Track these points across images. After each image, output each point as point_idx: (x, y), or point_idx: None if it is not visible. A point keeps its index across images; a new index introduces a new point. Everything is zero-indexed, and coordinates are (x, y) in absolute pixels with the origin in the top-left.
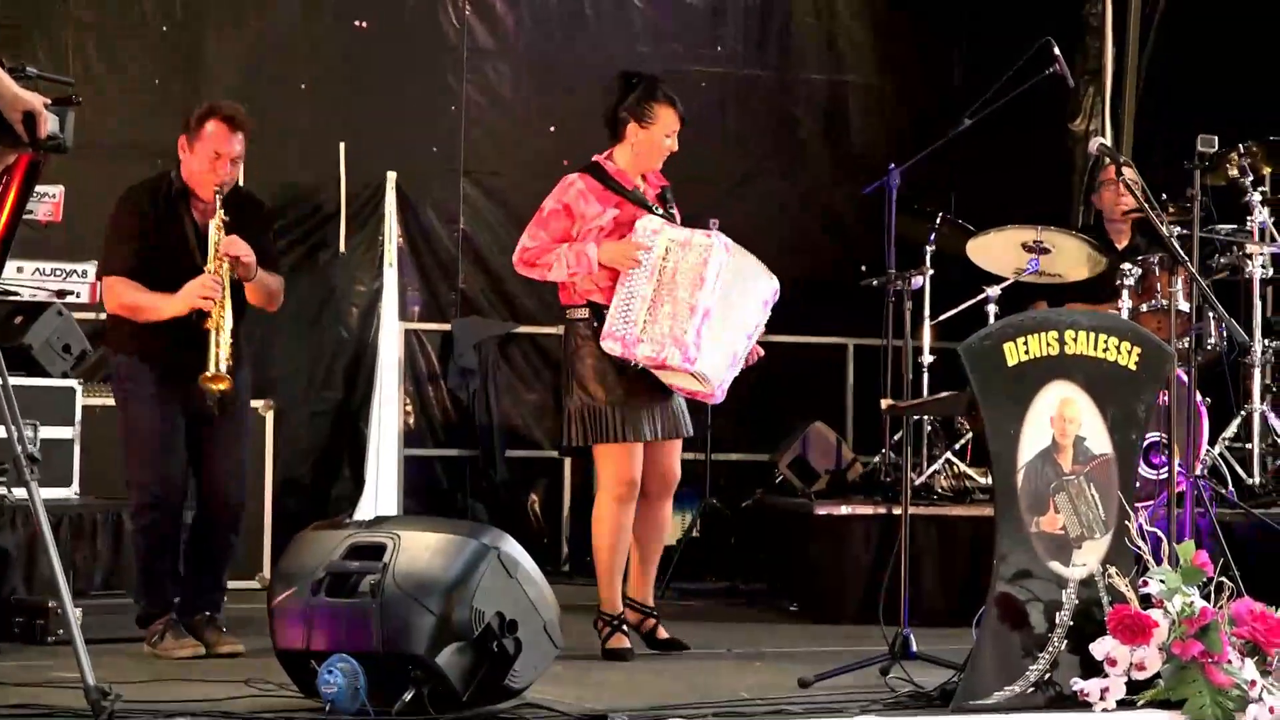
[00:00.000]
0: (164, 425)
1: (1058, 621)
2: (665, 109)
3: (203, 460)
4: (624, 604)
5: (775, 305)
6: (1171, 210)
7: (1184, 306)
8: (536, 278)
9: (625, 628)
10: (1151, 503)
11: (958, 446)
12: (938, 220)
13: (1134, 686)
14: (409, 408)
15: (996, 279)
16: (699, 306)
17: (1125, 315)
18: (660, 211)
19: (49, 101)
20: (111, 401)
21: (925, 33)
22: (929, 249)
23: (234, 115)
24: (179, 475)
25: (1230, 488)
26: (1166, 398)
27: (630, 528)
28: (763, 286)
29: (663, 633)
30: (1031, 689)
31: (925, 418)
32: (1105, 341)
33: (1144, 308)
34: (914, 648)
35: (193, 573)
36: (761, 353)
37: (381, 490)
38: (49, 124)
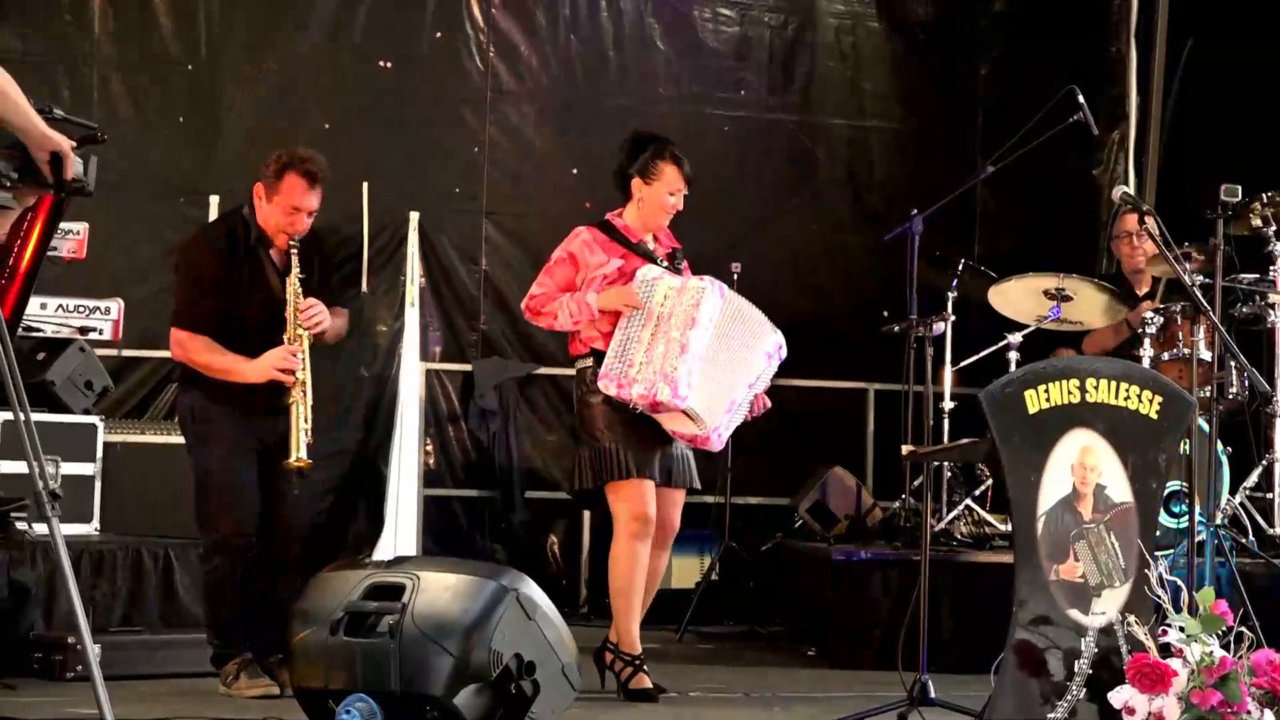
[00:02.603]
0: (240, 466)
1: (1077, 669)
2: (670, 167)
3: (273, 498)
4: (608, 648)
5: (796, 348)
6: (1194, 258)
7: (1206, 355)
8: (544, 326)
9: (645, 668)
10: (1172, 552)
11: (978, 493)
12: (959, 267)
13: None
14: (429, 448)
15: (1018, 326)
16: (690, 345)
17: (1146, 363)
18: (666, 265)
19: (75, 144)
20: (134, 438)
21: (947, 78)
22: (951, 295)
23: (313, 171)
24: (252, 517)
25: (1251, 537)
26: (1188, 447)
27: (645, 567)
28: (766, 338)
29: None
30: None
31: (945, 464)
32: (1127, 390)
33: (1165, 356)
34: (932, 694)
35: (262, 613)
36: (768, 404)
37: (401, 530)
38: (75, 166)
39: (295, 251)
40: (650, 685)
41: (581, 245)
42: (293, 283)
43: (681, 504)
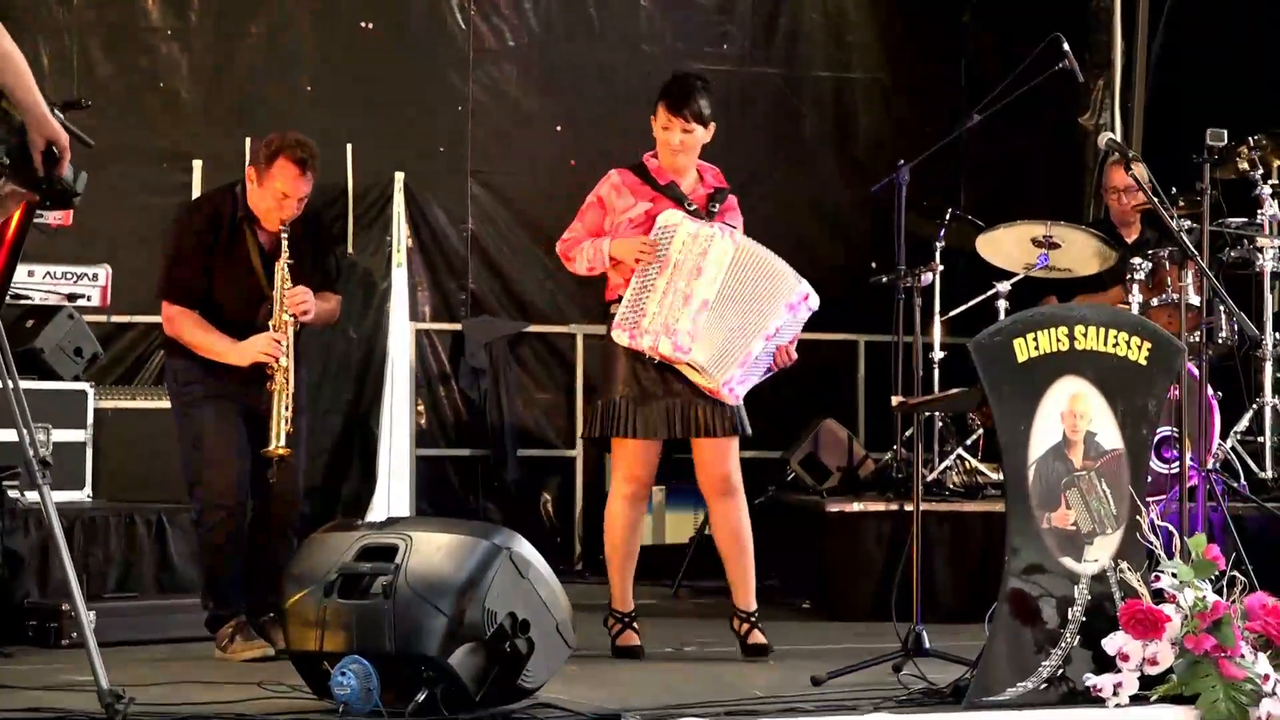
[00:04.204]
0: (228, 428)
1: (1070, 617)
2: (661, 106)
3: (268, 462)
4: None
5: None
6: (1181, 204)
7: (1194, 300)
8: (572, 271)
9: (635, 625)
10: (1163, 497)
11: (969, 442)
12: (947, 216)
13: (1147, 682)
14: (420, 408)
15: (1006, 274)
16: (694, 296)
17: (1135, 310)
18: (694, 208)
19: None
20: (125, 404)
21: (931, 29)
22: (939, 245)
23: (304, 157)
24: (244, 478)
25: (1242, 481)
26: (1177, 392)
27: (638, 526)
28: (785, 288)
29: (756, 637)
30: (1044, 685)
31: (937, 414)
32: (1115, 336)
33: (1154, 302)
34: (926, 644)
35: (257, 575)
36: (793, 357)
37: (393, 491)
38: (68, 167)
39: (285, 236)
40: (637, 643)
41: (610, 189)
42: (281, 268)
43: (729, 451)
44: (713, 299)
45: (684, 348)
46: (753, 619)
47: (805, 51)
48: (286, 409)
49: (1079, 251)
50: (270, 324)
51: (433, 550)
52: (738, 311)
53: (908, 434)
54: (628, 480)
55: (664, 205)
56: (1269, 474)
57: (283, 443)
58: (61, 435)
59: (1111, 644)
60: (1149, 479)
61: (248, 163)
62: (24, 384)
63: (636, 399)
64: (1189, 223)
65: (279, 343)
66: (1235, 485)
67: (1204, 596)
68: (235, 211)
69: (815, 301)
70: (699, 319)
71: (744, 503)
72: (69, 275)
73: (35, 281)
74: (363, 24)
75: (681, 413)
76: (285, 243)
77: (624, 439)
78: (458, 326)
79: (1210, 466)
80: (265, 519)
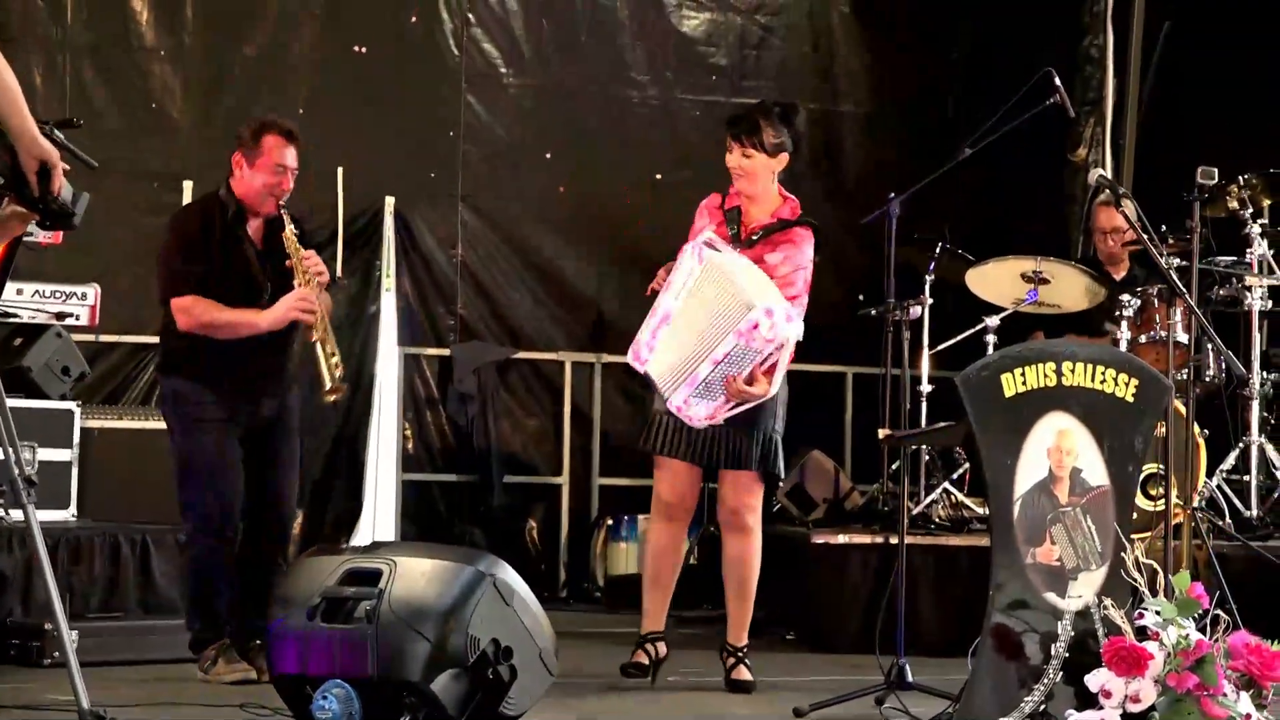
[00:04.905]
0: (224, 450)
1: (1053, 653)
2: (728, 131)
3: (262, 481)
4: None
5: None
6: (1171, 242)
7: (1182, 338)
8: None
9: (648, 645)
10: (1149, 534)
11: (955, 476)
12: (937, 250)
13: (1129, 719)
14: (407, 432)
15: (995, 309)
16: (659, 309)
17: (1124, 346)
18: (734, 233)
19: (69, 167)
20: (111, 424)
21: (919, 62)
22: (928, 278)
23: (289, 128)
24: (237, 500)
25: (1228, 520)
26: (1164, 430)
27: (670, 549)
28: (734, 312)
29: (741, 673)
30: None
31: (923, 447)
32: (1103, 373)
33: (1142, 339)
34: (910, 677)
35: (246, 597)
36: (745, 390)
37: (379, 515)
38: (64, 188)
39: (285, 211)
40: (643, 662)
41: (699, 210)
42: (289, 237)
43: (746, 486)
44: (673, 315)
45: (643, 359)
46: (740, 654)
47: (793, 82)
48: (332, 353)
49: (1068, 288)
50: (294, 284)
51: (417, 575)
52: (693, 331)
53: (894, 467)
54: (657, 499)
55: (722, 229)
56: (1254, 513)
57: (337, 381)
58: (47, 454)
59: (1094, 680)
60: (1134, 516)
61: (233, 154)
62: (10, 402)
63: (673, 417)
64: (1178, 260)
65: (312, 297)
66: (1220, 524)
67: (1187, 635)
68: (225, 212)
69: (774, 334)
70: (659, 332)
71: (756, 542)
72: (58, 294)
73: (24, 300)
74: (356, 48)
75: (714, 439)
76: (286, 215)
77: (658, 455)
78: (446, 351)
79: (1196, 504)
80: (258, 540)
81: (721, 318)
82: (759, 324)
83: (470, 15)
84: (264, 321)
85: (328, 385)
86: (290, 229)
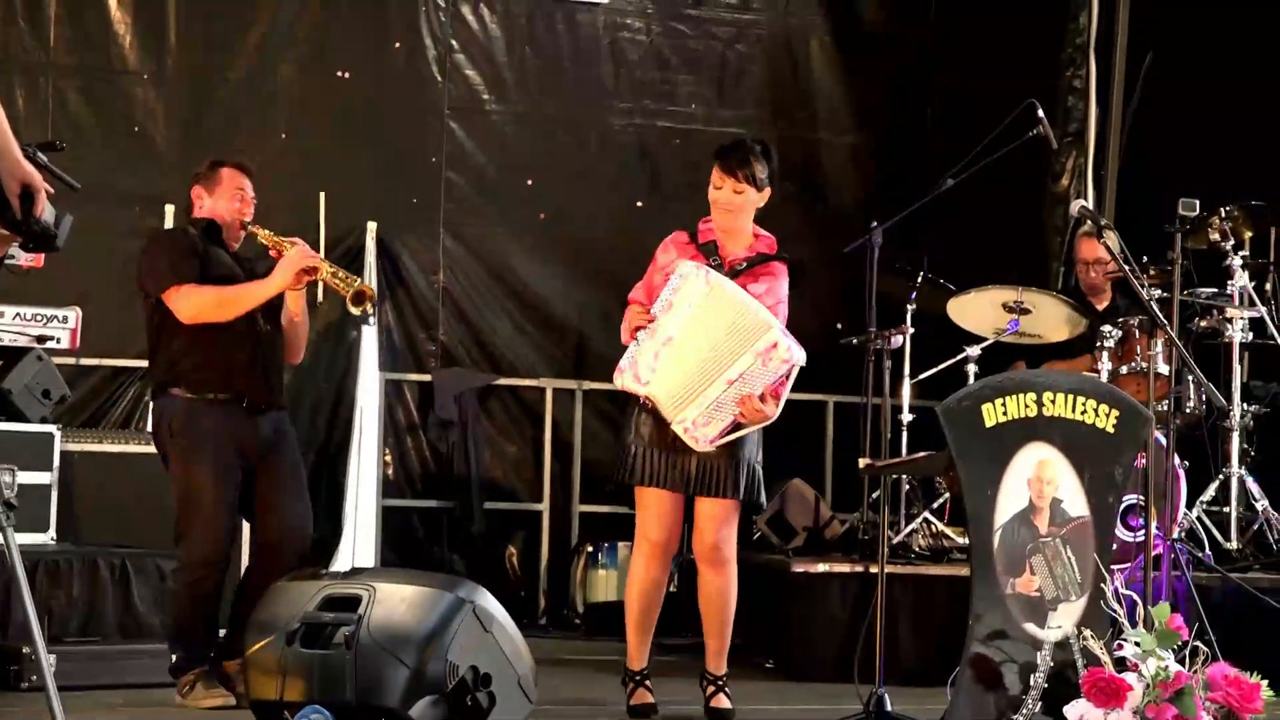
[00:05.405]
0: (223, 480)
1: (1032, 683)
2: (716, 165)
3: (270, 503)
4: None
5: None
6: (1152, 273)
7: (1163, 369)
8: None
9: (648, 683)
10: (1128, 565)
11: (936, 506)
12: (918, 279)
13: None
14: (388, 458)
15: (977, 339)
16: (660, 331)
17: (1105, 377)
18: (717, 263)
19: (51, 190)
20: (91, 447)
21: (899, 91)
22: (910, 308)
23: (241, 162)
24: (233, 531)
25: (1207, 551)
26: (1144, 460)
27: (657, 587)
28: (753, 331)
29: (720, 701)
30: None
31: (904, 477)
32: (1083, 404)
33: (1123, 370)
34: (889, 707)
35: (241, 617)
36: (763, 413)
37: (359, 541)
38: (47, 210)
39: (251, 227)
40: (650, 701)
41: (662, 247)
42: (264, 233)
43: (723, 516)
44: (676, 335)
45: (643, 380)
46: (719, 682)
47: (772, 111)
48: (345, 275)
49: (1050, 318)
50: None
51: (396, 602)
52: (701, 352)
53: (875, 496)
54: (639, 534)
55: (702, 262)
56: (1234, 544)
57: (364, 280)
58: (27, 477)
59: (1073, 711)
60: (1114, 547)
61: (192, 190)
62: None
63: (645, 445)
64: (1159, 291)
65: (302, 250)
66: (1200, 555)
67: (1166, 666)
68: (199, 236)
69: (789, 355)
70: (662, 353)
71: (732, 574)
72: (39, 317)
73: (5, 323)
74: (340, 73)
75: (688, 468)
76: (254, 228)
77: (636, 486)
78: (427, 377)
79: (1175, 536)
80: (270, 559)
81: (737, 337)
82: (778, 344)
83: (453, 42)
84: (272, 283)
85: (352, 292)
86: (263, 230)
